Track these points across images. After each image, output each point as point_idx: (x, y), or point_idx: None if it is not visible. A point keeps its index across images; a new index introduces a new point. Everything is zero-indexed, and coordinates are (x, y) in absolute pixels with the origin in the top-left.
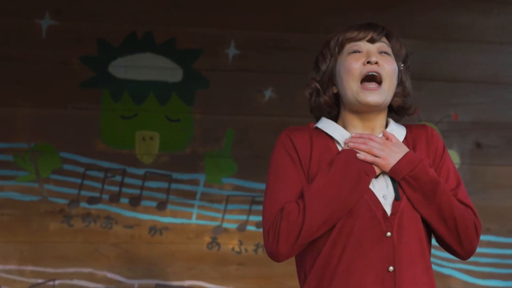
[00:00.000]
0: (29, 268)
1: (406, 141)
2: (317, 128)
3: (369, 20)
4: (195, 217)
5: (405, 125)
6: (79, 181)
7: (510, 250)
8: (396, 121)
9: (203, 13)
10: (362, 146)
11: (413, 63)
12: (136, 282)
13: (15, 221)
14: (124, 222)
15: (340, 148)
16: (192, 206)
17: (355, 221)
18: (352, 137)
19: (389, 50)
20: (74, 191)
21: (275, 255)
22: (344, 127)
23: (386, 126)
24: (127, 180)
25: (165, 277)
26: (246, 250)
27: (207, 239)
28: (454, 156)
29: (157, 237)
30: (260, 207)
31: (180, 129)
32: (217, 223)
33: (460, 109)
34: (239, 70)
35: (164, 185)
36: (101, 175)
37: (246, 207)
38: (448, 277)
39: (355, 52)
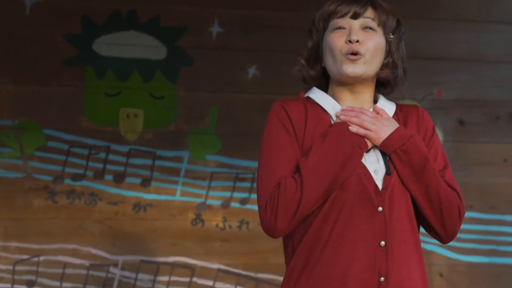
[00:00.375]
0: (14, 244)
1: (396, 117)
2: (308, 98)
3: None
4: (179, 194)
5: (396, 104)
6: (63, 158)
7: (492, 226)
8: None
9: None
10: (354, 119)
11: None
12: (120, 258)
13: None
14: (108, 199)
15: (332, 121)
16: (176, 183)
17: (347, 195)
18: (343, 109)
19: (373, 24)
20: (58, 168)
21: (272, 231)
22: (334, 99)
23: (377, 101)
24: (111, 157)
25: (150, 253)
26: (230, 227)
27: (191, 215)
28: (437, 133)
29: (141, 213)
30: (244, 184)
31: (164, 106)
32: (201, 200)
33: (443, 86)
34: (223, 48)
35: (148, 162)
36: (85, 152)
37: (230, 184)
38: (430, 253)
39: (338, 28)
